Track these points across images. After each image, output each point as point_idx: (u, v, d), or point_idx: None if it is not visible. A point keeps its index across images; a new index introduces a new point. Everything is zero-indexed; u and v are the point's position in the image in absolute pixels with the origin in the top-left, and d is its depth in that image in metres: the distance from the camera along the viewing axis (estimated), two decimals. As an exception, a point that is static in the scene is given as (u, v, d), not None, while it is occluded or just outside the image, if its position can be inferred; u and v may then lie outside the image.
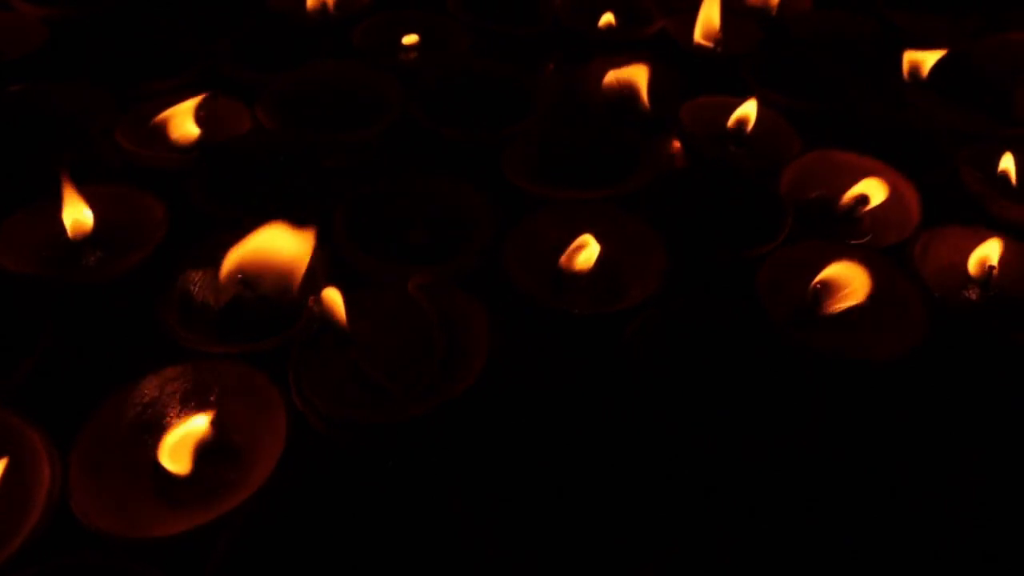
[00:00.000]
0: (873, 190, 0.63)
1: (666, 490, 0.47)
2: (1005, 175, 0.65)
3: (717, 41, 0.83)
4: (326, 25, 0.83)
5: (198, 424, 0.46)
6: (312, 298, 0.51)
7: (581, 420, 0.50)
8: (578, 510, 0.47)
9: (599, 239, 0.60)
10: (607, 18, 0.88)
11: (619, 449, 0.48)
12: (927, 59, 0.78)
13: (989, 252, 0.59)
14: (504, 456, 0.49)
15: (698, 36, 0.84)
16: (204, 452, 0.46)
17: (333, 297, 0.50)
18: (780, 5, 0.90)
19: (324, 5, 0.85)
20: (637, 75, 0.73)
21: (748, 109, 0.70)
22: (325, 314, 0.50)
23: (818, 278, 0.55)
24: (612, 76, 0.74)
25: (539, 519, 0.46)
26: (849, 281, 0.54)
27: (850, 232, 0.64)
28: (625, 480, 0.47)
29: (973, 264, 0.59)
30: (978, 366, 0.55)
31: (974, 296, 0.59)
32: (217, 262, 0.55)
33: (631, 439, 0.48)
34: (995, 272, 0.58)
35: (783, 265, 0.57)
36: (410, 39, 0.82)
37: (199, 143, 0.68)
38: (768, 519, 0.48)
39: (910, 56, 0.79)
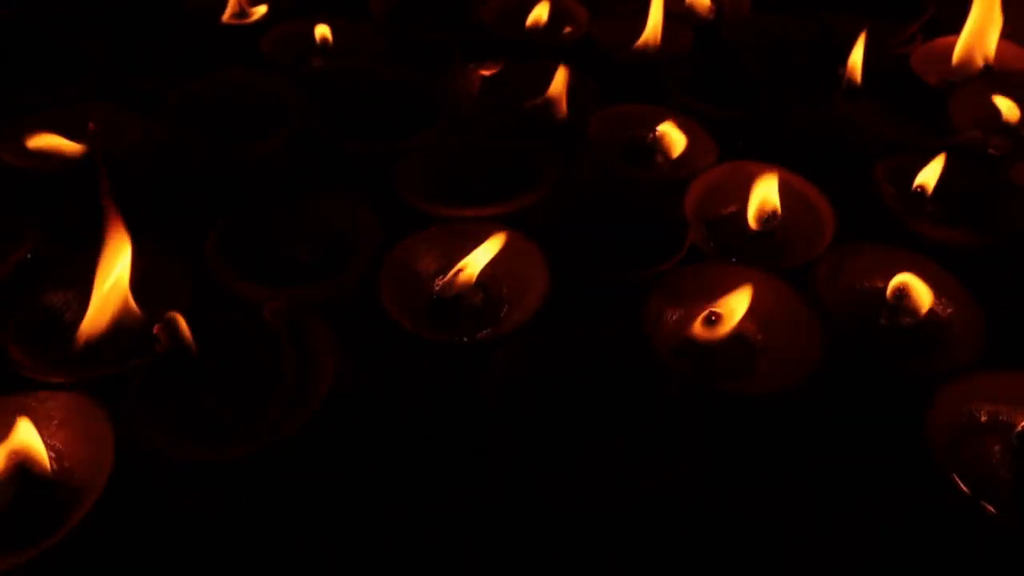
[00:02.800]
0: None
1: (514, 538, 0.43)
2: (922, 190, 0.61)
3: (648, 46, 0.80)
4: (238, 30, 0.80)
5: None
6: (158, 325, 0.48)
7: (433, 460, 0.47)
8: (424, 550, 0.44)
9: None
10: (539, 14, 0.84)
11: (471, 494, 0.45)
12: (863, 64, 0.74)
13: (900, 274, 0.55)
14: (349, 494, 0.46)
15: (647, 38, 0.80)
16: (28, 486, 0.43)
17: (179, 323, 0.47)
18: (718, 8, 0.86)
19: (242, 9, 0.83)
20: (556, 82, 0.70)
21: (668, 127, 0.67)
22: (171, 341, 0.47)
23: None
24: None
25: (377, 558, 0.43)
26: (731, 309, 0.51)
27: (761, 250, 0.61)
28: (472, 523, 0.44)
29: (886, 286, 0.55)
30: (876, 398, 0.51)
31: (884, 322, 0.55)
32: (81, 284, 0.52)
33: (485, 483, 0.45)
34: (906, 296, 0.54)
35: (673, 289, 0.54)
36: (320, 32, 0.78)
37: (84, 156, 0.65)
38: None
39: (848, 61, 0.75)
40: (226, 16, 0.81)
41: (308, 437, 0.45)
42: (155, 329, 0.48)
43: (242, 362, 0.49)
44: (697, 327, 0.52)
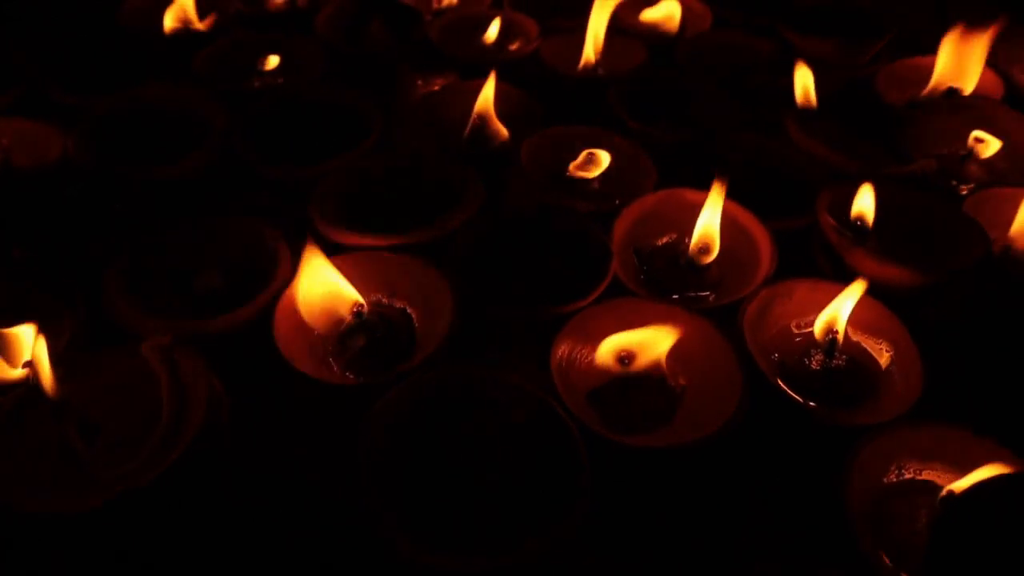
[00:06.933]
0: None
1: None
2: (861, 220, 0.57)
3: (597, 64, 0.76)
4: (176, 45, 0.77)
5: None
6: (26, 361, 0.46)
7: (310, 509, 0.43)
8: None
9: (395, 292, 0.54)
10: (493, 31, 0.82)
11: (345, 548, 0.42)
12: (818, 87, 0.70)
13: (834, 313, 0.51)
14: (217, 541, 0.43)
15: (588, 55, 0.77)
16: None
17: (40, 357, 0.44)
18: (680, 26, 0.82)
19: (186, 23, 0.80)
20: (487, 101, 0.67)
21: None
22: (35, 379, 0.44)
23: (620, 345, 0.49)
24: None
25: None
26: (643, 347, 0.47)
27: (694, 284, 0.57)
28: None
29: (817, 326, 0.52)
30: (800, 449, 0.47)
31: (815, 365, 0.51)
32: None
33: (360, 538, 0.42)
34: (839, 337, 0.50)
35: (589, 327, 0.50)
36: (271, 63, 0.76)
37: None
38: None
39: (797, 85, 0.71)
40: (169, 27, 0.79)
41: (176, 483, 0.42)
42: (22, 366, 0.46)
43: (115, 401, 0.46)
44: (612, 366, 0.49)
